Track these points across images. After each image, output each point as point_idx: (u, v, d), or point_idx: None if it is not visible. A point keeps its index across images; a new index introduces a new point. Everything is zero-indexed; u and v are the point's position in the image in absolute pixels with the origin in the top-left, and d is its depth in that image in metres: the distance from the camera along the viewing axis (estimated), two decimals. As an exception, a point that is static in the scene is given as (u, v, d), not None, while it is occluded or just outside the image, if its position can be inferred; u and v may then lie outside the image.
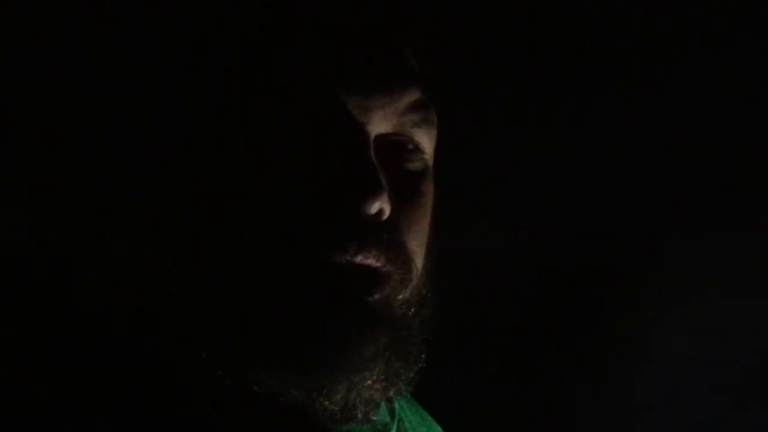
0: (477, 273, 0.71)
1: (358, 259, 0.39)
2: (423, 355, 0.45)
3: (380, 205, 0.39)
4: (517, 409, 0.76)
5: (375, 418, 0.44)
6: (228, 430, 0.40)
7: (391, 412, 0.49)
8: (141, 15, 0.47)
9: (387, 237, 0.40)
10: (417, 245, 0.44)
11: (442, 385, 0.48)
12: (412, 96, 0.43)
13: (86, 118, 0.51)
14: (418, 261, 0.44)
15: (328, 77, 0.40)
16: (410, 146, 0.44)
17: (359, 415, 0.41)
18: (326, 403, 0.40)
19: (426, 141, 0.45)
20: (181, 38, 0.44)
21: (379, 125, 0.41)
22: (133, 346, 0.41)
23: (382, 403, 0.46)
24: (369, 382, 0.41)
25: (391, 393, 0.43)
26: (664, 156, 0.71)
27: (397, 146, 0.43)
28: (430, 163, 0.46)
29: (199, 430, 0.39)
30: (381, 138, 0.42)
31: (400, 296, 0.42)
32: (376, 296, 0.40)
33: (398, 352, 0.42)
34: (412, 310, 0.43)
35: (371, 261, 0.40)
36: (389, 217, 0.40)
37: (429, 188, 0.45)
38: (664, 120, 0.70)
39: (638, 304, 0.76)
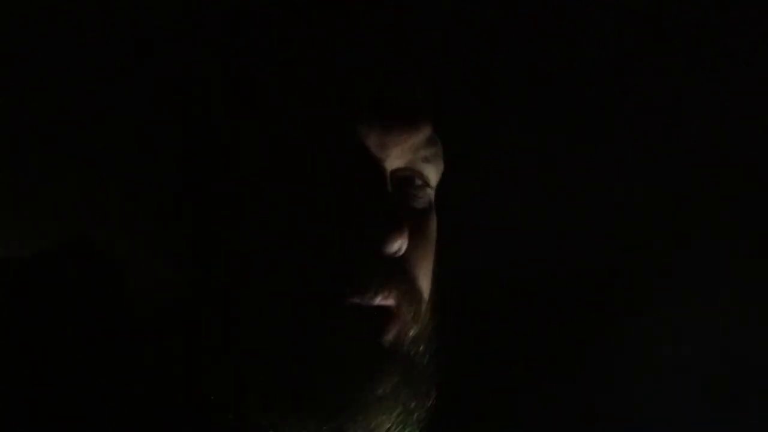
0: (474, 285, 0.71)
1: (378, 299, 0.39)
2: (434, 392, 0.44)
3: (401, 244, 0.39)
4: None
5: None
6: None
7: None
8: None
9: (402, 275, 0.41)
10: (425, 279, 0.44)
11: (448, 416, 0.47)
12: (426, 132, 0.43)
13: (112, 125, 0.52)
14: (426, 294, 0.44)
15: (347, 114, 0.40)
16: (418, 182, 0.44)
17: None
18: None
19: (433, 175, 0.45)
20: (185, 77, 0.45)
21: (394, 161, 0.42)
22: (156, 358, 0.42)
23: None
24: (387, 424, 0.40)
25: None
26: (664, 161, 0.72)
27: (406, 181, 0.44)
28: (433, 196, 0.46)
29: None
30: (393, 173, 0.42)
31: (411, 333, 0.42)
32: (390, 335, 0.40)
33: (411, 390, 0.41)
34: (422, 346, 0.43)
35: (389, 301, 0.39)
36: (403, 254, 0.40)
37: (434, 224, 0.46)
38: (664, 125, 0.71)
39: (640, 308, 0.77)
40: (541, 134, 0.72)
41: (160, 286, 0.47)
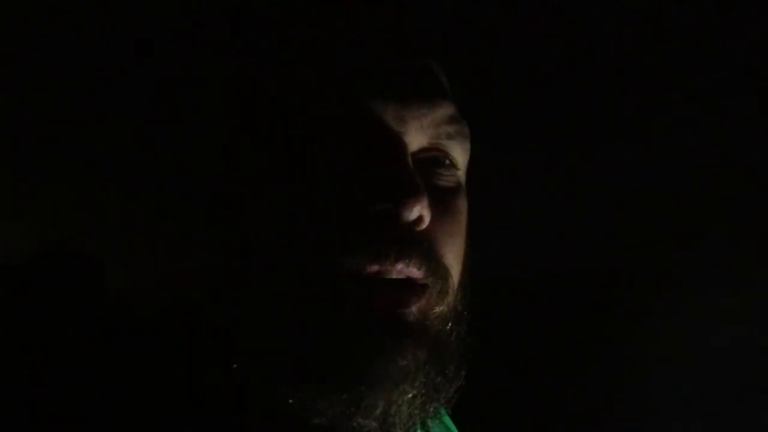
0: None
1: (398, 266, 0.38)
2: (462, 373, 0.42)
3: (420, 210, 0.38)
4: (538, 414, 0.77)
5: None
6: None
7: None
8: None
9: (427, 249, 0.39)
10: (454, 259, 0.42)
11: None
12: (448, 109, 0.42)
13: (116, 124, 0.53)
14: (455, 275, 0.42)
15: (365, 86, 0.40)
16: (446, 161, 0.43)
17: None
18: (364, 420, 0.37)
19: (460, 155, 0.44)
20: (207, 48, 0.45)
21: (415, 136, 0.41)
22: (157, 358, 0.42)
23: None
24: (409, 396, 0.38)
25: (431, 410, 0.41)
26: (664, 161, 0.72)
27: (432, 162, 0.43)
28: (464, 180, 0.46)
29: None
30: (417, 153, 0.41)
31: (437, 309, 0.40)
32: (414, 307, 0.38)
33: (437, 367, 0.40)
34: (449, 325, 0.41)
35: (411, 269, 0.38)
36: (428, 230, 0.39)
37: (464, 205, 0.44)
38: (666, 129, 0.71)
39: (640, 307, 0.77)
40: (541, 134, 0.72)
41: (161, 286, 0.47)
